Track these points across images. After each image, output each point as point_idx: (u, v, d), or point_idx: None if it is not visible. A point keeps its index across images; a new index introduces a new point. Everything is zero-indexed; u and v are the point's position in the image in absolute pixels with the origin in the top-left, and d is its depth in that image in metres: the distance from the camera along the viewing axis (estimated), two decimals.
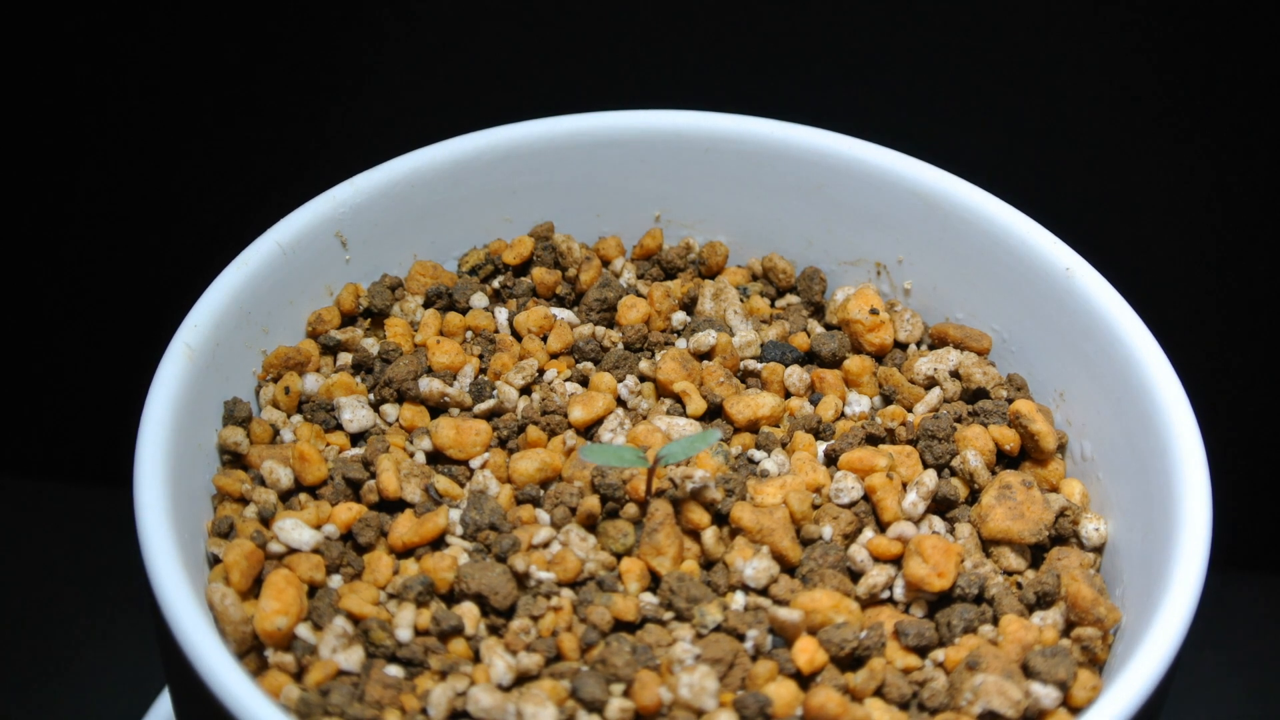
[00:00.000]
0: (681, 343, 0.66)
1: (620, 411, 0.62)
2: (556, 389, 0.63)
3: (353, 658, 0.54)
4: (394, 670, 0.54)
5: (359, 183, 0.66)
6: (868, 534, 0.58)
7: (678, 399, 0.63)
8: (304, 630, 0.55)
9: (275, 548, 0.57)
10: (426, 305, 0.67)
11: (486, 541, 0.57)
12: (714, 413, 0.63)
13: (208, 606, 0.54)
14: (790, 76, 0.92)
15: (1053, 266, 0.64)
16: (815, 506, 0.59)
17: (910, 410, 0.64)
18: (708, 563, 0.58)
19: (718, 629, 0.55)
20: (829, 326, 0.68)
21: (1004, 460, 0.62)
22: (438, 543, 0.58)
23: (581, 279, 0.68)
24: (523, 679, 0.54)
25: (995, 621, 0.57)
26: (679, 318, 0.67)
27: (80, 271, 0.99)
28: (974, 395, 0.65)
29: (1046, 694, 0.54)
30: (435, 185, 0.68)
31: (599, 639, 0.55)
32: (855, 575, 0.58)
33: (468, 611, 0.55)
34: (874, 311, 0.66)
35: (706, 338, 0.65)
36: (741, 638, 0.55)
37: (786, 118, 0.69)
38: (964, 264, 0.67)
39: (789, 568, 0.57)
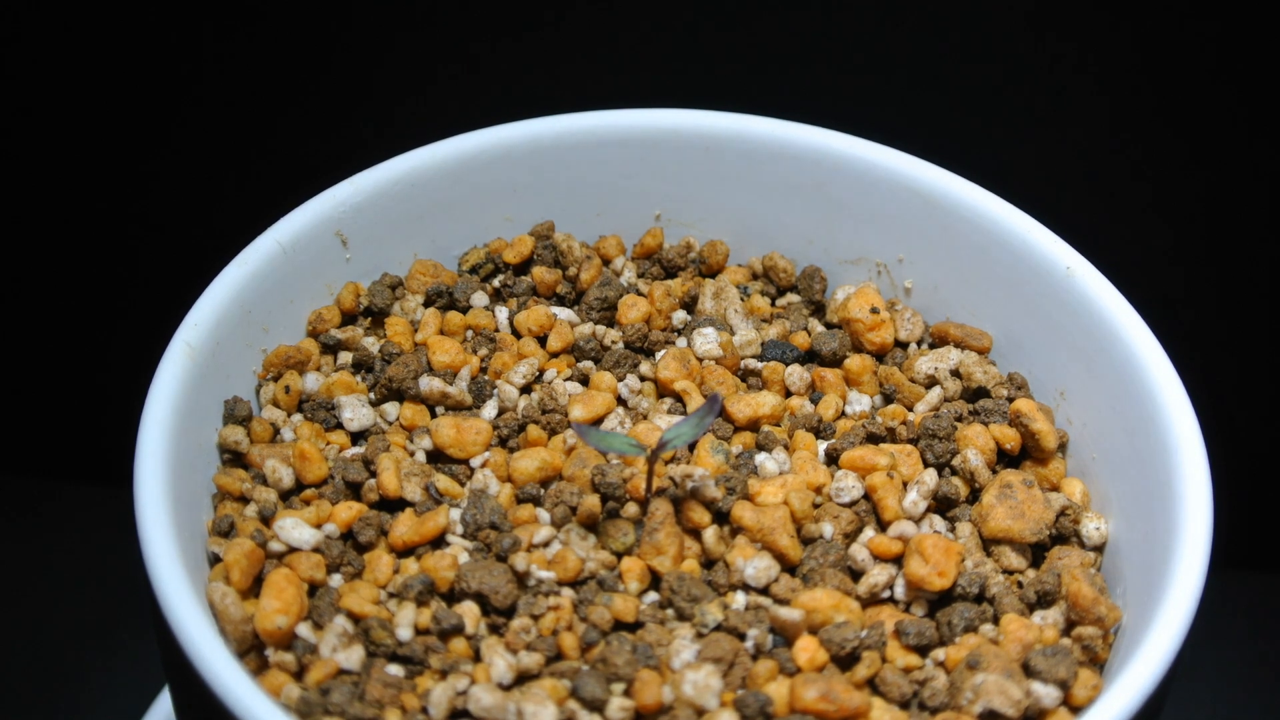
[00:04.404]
0: (682, 341, 0.66)
1: (620, 410, 0.62)
2: (557, 388, 0.63)
3: (353, 657, 0.54)
4: (394, 669, 0.54)
5: (359, 182, 0.66)
6: (868, 533, 0.58)
7: (678, 398, 0.63)
8: (304, 629, 0.55)
9: (276, 547, 0.57)
10: (427, 304, 0.67)
11: (487, 540, 0.57)
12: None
13: (208, 606, 0.54)
14: (790, 76, 0.92)
15: (1053, 265, 0.64)
16: (816, 506, 0.59)
17: (911, 409, 0.64)
18: (708, 562, 0.58)
19: (718, 628, 0.55)
20: (829, 325, 0.68)
21: (1005, 459, 0.62)
22: (438, 542, 0.58)
23: (582, 278, 0.68)
24: (523, 678, 0.54)
25: (996, 621, 0.57)
26: (679, 316, 0.67)
27: (81, 271, 0.99)
28: (975, 394, 0.65)
29: (1047, 693, 0.54)
30: (435, 184, 0.68)
31: (599, 638, 0.55)
32: (856, 574, 0.58)
33: (468, 610, 0.55)
34: (874, 310, 0.66)
35: (709, 345, 0.64)
36: (742, 637, 0.55)
37: (786, 117, 0.69)
38: (965, 263, 0.67)
39: (789, 567, 0.57)
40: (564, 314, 0.67)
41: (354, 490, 0.60)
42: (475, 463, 0.60)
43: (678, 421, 0.58)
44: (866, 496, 0.59)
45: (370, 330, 0.67)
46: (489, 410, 0.62)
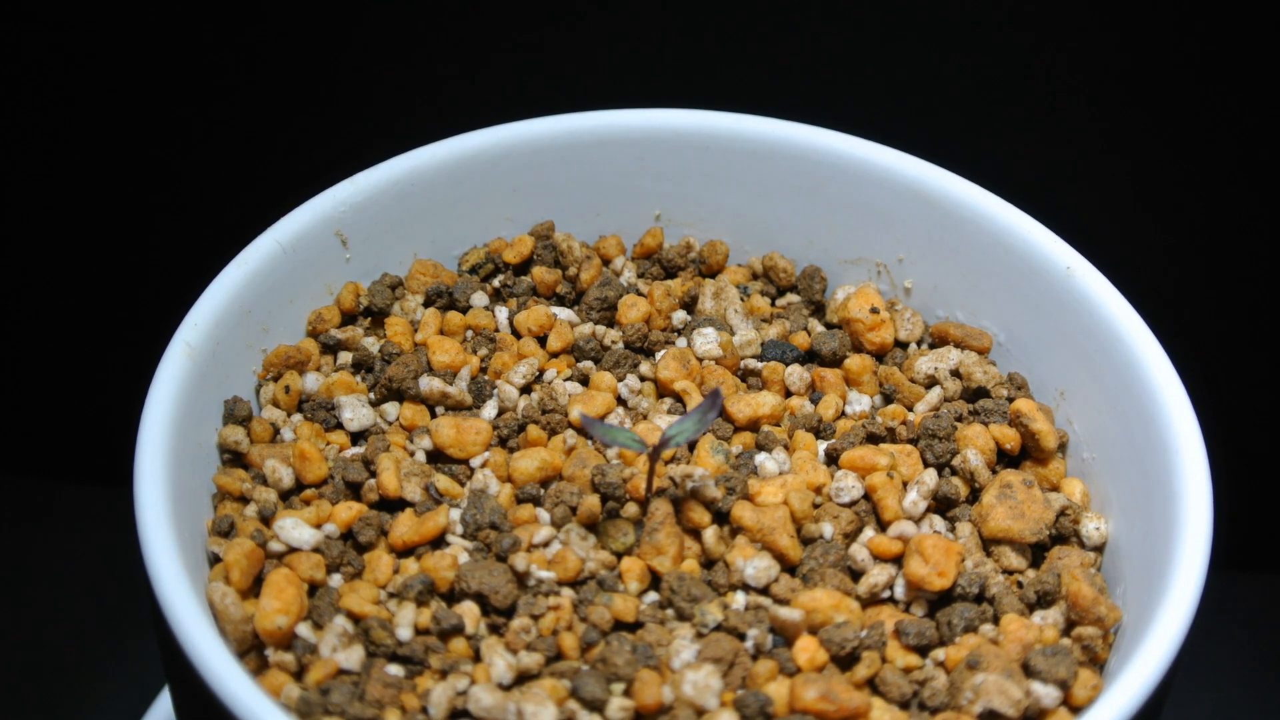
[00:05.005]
0: (681, 341, 0.66)
1: (621, 410, 0.62)
2: (557, 388, 0.63)
3: (353, 657, 0.54)
4: (394, 669, 0.54)
5: (359, 181, 0.66)
6: (868, 533, 0.58)
7: (678, 398, 0.63)
8: (304, 629, 0.55)
9: (276, 547, 0.57)
10: (427, 304, 0.67)
11: (487, 540, 0.57)
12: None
13: (208, 606, 0.54)
14: (790, 76, 0.92)
15: (1053, 265, 0.64)
16: (816, 506, 0.59)
17: (911, 409, 0.64)
18: (708, 562, 0.58)
19: (718, 628, 0.55)
20: (829, 325, 0.68)
21: (1005, 459, 0.62)
22: (438, 542, 0.58)
23: (582, 278, 0.68)
24: (523, 678, 0.54)
25: (996, 621, 0.57)
26: (679, 316, 0.67)
27: (81, 271, 0.99)
28: (974, 394, 0.65)
29: (1047, 693, 0.54)
30: (435, 184, 0.68)
31: (599, 638, 0.55)
32: (856, 574, 0.58)
33: (468, 610, 0.55)
34: (874, 310, 0.66)
35: (709, 345, 0.64)
36: (742, 637, 0.55)
37: (786, 117, 0.69)
38: (965, 263, 0.67)
39: (789, 567, 0.57)
40: (564, 314, 0.67)
41: (354, 490, 0.60)
42: (475, 463, 0.60)
43: (679, 419, 0.58)
44: (866, 496, 0.59)
45: (370, 330, 0.67)
46: (489, 410, 0.62)
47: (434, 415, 0.63)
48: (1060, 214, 0.67)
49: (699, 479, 0.58)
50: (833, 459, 0.61)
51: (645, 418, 0.62)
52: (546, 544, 0.57)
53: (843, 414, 0.64)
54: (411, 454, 0.61)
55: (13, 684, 0.92)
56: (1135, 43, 0.89)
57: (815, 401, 0.64)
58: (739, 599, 0.56)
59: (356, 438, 0.62)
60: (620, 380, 0.64)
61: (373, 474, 0.60)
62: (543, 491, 0.59)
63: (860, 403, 0.64)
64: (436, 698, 0.53)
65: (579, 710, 0.52)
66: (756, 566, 0.56)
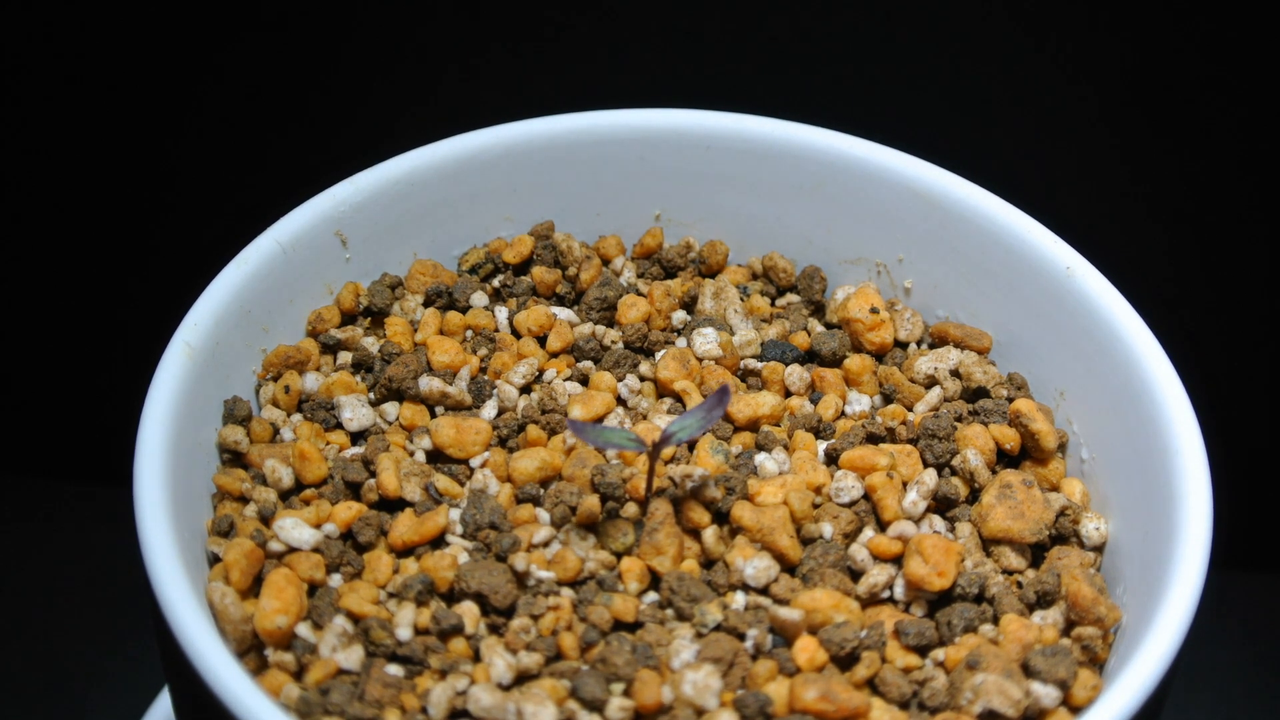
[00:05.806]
0: (681, 341, 0.66)
1: (620, 410, 0.62)
2: (556, 388, 0.63)
3: (353, 657, 0.54)
4: (394, 669, 0.54)
5: (359, 181, 0.66)
6: (868, 533, 0.58)
7: (678, 398, 0.63)
8: (304, 629, 0.55)
9: (275, 547, 0.57)
10: (426, 304, 0.67)
11: (486, 540, 0.57)
12: None
13: (208, 605, 0.54)
14: (790, 76, 0.92)
15: (1053, 265, 0.64)
16: (816, 506, 0.59)
17: (910, 409, 0.64)
18: (708, 562, 0.58)
19: (718, 628, 0.55)
20: (829, 325, 0.68)
21: (1004, 459, 0.62)
22: (438, 542, 0.58)
23: (582, 278, 0.68)
24: (523, 678, 0.54)
25: (995, 621, 0.57)
26: (679, 316, 0.67)
27: (81, 271, 0.99)
28: (974, 394, 0.65)
29: (1047, 693, 0.54)
30: (435, 184, 0.68)
31: (599, 638, 0.55)
32: (855, 574, 0.58)
33: (468, 610, 0.55)
34: (874, 310, 0.66)
35: (708, 345, 0.64)
36: (742, 637, 0.55)
37: (786, 117, 0.69)
38: (964, 263, 0.67)
39: (789, 567, 0.57)
40: (564, 314, 0.67)
41: (354, 490, 0.60)
42: (475, 463, 0.60)
43: (682, 415, 0.58)
44: (866, 496, 0.59)
45: (370, 330, 0.67)
46: (489, 410, 0.62)
47: (434, 415, 0.63)
48: (1060, 214, 0.67)
49: (699, 479, 0.58)
50: (832, 459, 0.61)
51: (645, 418, 0.62)
52: (546, 544, 0.57)
53: (842, 414, 0.64)
54: (411, 454, 0.61)
55: (13, 684, 0.92)
56: (1136, 42, 0.89)
57: (815, 401, 0.64)
58: (739, 599, 0.56)
59: (356, 438, 0.62)
60: (620, 380, 0.64)
61: (372, 474, 0.60)
62: (542, 491, 0.59)
63: (860, 403, 0.64)
64: (436, 698, 0.53)
65: (579, 710, 0.52)
66: (756, 566, 0.56)
